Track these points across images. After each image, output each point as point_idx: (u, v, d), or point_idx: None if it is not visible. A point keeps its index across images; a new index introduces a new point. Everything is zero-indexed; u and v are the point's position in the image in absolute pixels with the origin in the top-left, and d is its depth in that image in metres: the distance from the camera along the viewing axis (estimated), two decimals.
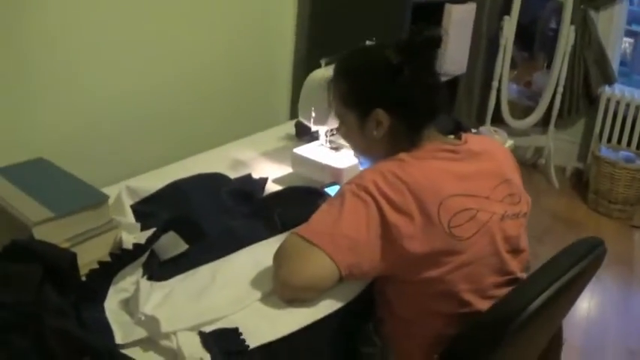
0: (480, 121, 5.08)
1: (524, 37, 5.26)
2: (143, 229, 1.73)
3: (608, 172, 4.94)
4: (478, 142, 1.82)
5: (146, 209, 1.89)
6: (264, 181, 2.26)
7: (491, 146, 1.86)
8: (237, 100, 3.09)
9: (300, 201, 2.08)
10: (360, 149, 1.90)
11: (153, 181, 2.09)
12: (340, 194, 1.65)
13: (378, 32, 3.05)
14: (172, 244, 1.70)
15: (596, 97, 5.30)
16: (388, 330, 1.82)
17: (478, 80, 5.15)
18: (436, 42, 1.71)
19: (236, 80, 3.05)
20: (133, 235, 1.68)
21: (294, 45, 3.43)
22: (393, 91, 1.72)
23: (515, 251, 1.77)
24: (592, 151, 5.25)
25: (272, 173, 2.36)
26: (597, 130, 5.37)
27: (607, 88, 5.27)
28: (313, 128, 2.27)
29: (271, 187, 2.25)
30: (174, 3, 2.59)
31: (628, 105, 5.22)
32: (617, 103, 5.24)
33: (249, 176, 2.25)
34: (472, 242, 1.63)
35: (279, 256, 1.62)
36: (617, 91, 5.26)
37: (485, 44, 5.02)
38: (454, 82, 4.32)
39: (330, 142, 2.37)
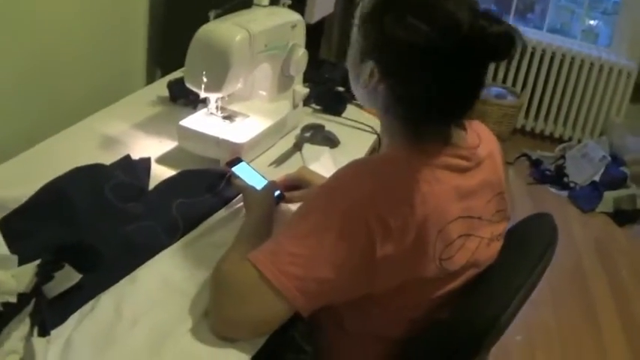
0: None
1: None
2: (22, 259, 1.28)
3: (477, 109, 4.76)
4: (485, 143, 1.44)
5: (20, 227, 1.45)
6: (147, 163, 1.87)
7: (493, 146, 1.50)
8: (89, 61, 2.61)
9: (198, 187, 1.74)
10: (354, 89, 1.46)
11: (10, 174, 1.69)
12: (325, 212, 1.27)
13: None
14: (63, 278, 1.28)
15: None
16: (327, 339, 1.53)
17: (338, 15, 4.82)
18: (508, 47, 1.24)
19: (85, 37, 2.57)
20: (10, 272, 1.23)
21: None
22: (410, 73, 1.29)
23: None
24: None
25: (153, 151, 1.96)
26: None
27: None
28: (203, 95, 1.87)
29: (156, 170, 1.86)
30: None
31: None
32: None
33: (128, 159, 1.84)
34: (457, 275, 1.36)
35: (226, 287, 1.30)
36: None
37: None
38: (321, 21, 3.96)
39: (222, 109, 1.98)
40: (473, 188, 1.36)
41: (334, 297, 1.29)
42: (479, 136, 1.42)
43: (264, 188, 1.69)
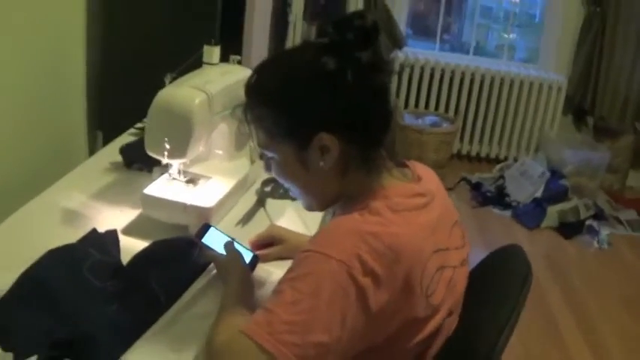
0: None
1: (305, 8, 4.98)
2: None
3: (415, 140, 4.84)
4: (427, 177, 1.51)
5: (4, 320, 1.39)
6: (114, 235, 1.82)
7: (435, 179, 1.56)
8: (29, 130, 2.56)
9: (172, 258, 1.69)
10: (305, 190, 1.49)
11: None
12: (313, 276, 1.25)
13: (187, 26, 2.70)
14: None
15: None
16: None
17: None
18: (374, 31, 1.35)
19: (22, 105, 2.52)
20: None
21: (85, 55, 2.93)
22: (336, 105, 1.33)
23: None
24: (395, 120, 5.12)
25: (116, 221, 1.93)
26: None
27: (398, 53, 5.14)
28: (165, 161, 1.85)
29: (124, 241, 1.82)
30: None
31: (422, 67, 5.13)
32: (412, 67, 5.13)
33: (95, 233, 1.79)
34: (439, 307, 1.38)
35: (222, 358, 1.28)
36: (409, 55, 5.15)
37: (272, 23, 4.70)
38: None
39: (184, 173, 1.95)
40: (435, 221, 1.40)
41: (336, 358, 1.28)
42: (419, 175, 1.48)
43: (227, 255, 1.67)
